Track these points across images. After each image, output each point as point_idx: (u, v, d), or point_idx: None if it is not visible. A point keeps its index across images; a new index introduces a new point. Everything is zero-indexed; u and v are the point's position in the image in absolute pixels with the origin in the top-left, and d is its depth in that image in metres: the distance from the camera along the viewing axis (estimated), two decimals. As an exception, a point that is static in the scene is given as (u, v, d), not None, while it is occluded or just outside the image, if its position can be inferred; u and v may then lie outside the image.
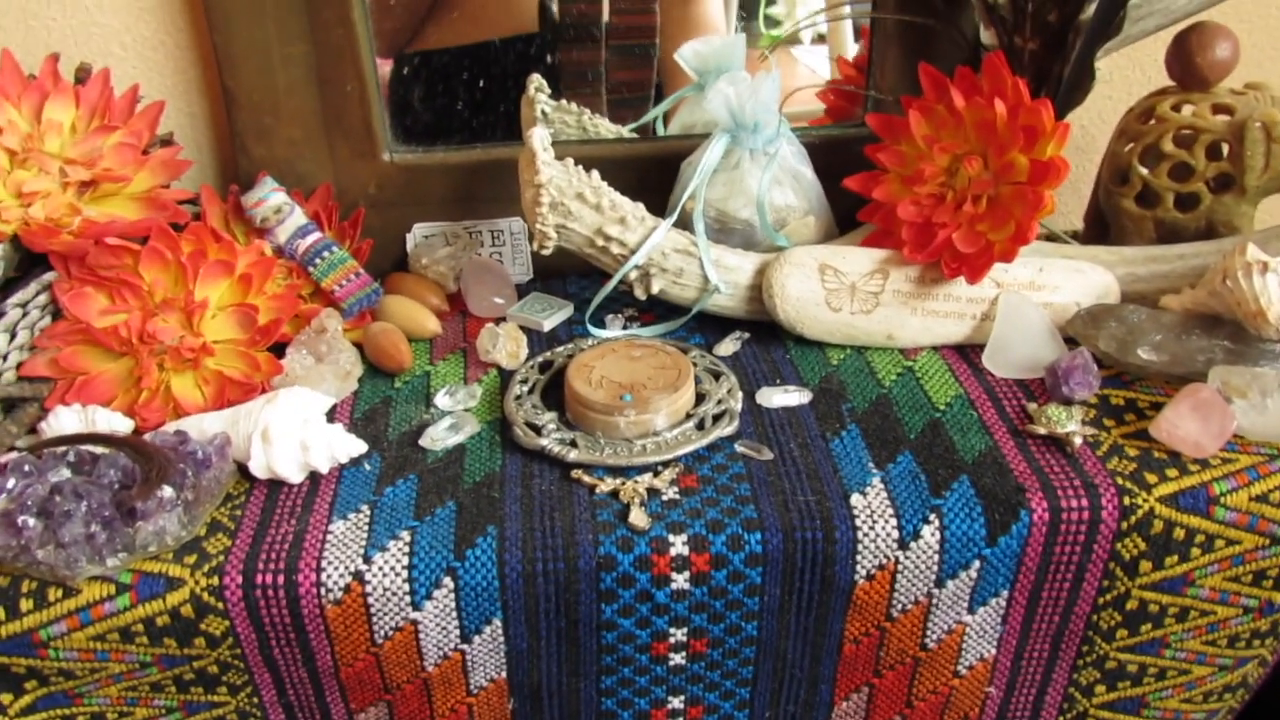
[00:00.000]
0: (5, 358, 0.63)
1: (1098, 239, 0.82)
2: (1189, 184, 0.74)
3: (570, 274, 0.83)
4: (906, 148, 0.72)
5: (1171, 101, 0.75)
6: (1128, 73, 0.90)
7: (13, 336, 0.63)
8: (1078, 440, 0.61)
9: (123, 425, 0.64)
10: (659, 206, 0.74)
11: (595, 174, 0.70)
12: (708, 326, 0.75)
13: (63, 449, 0.58)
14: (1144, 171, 0.75)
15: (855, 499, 0.57)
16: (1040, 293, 0.71)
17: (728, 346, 0.72)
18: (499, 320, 0.78)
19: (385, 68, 0.81)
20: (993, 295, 0.71)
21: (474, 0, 0.85)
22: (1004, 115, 0.67)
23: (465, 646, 0.57)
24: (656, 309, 0.77)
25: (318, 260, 0.75)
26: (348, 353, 0.71)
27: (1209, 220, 0.75)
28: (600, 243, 0.69)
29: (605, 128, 0.86)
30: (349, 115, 0.77)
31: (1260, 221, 0.76)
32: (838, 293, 0.71)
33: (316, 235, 0.75)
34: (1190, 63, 0.74)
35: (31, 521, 0.53)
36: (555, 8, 0.85)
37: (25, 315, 0.64)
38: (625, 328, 0.76)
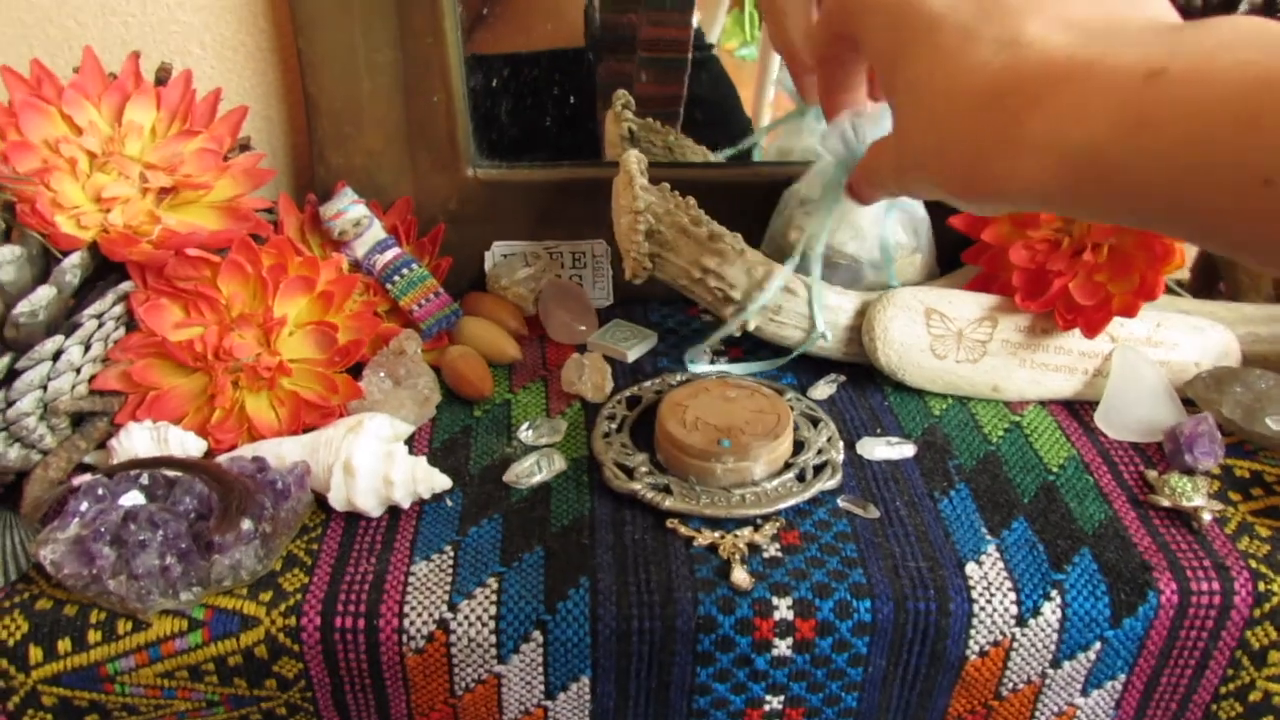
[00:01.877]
0: (79, 370, 0.60)
1: (1206, 291, 0.78)
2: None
3: (652, 300, 0.80)
4: (1022, 190, 0.68)
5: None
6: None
7: (87, 348, 0.60)
8: (1206, 516, 0.57)
9: (195, 445, 0.61)
10: (753, 237, 0.71)
11: (692, 201, 0.67)
12: (801, 366, 0.71)
13: (136, 471, 0.55)
14: None
15: (971, 568, 0.54)
16: (1158, 350, 0.67)
17: (823, 390, 0.69)
18: (581, 348, 0.74)
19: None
20: (1107, 350, 0.67)
21: (520, 8, 0.82)
22: (1133, 162, 0.63)
23: (549, 703, 0.54)
24: (745, 343, 0.74)
25: (396, 277, 0.72)
26: (426, 377, 0.68)
27: (1335, 279, 0.71)
28: (697, 275, 0.66)
29: (691, 149, 0.83)
30: (433, 127, 0.74)
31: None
32: (944, 339, 0.67)
33: (396, 251, 0.73)
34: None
35: (106, 550, 0.50)
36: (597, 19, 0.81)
37: (100, 326, 0.61)
38: (713, 362, 0.72)
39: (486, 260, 0.79)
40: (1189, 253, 0.82)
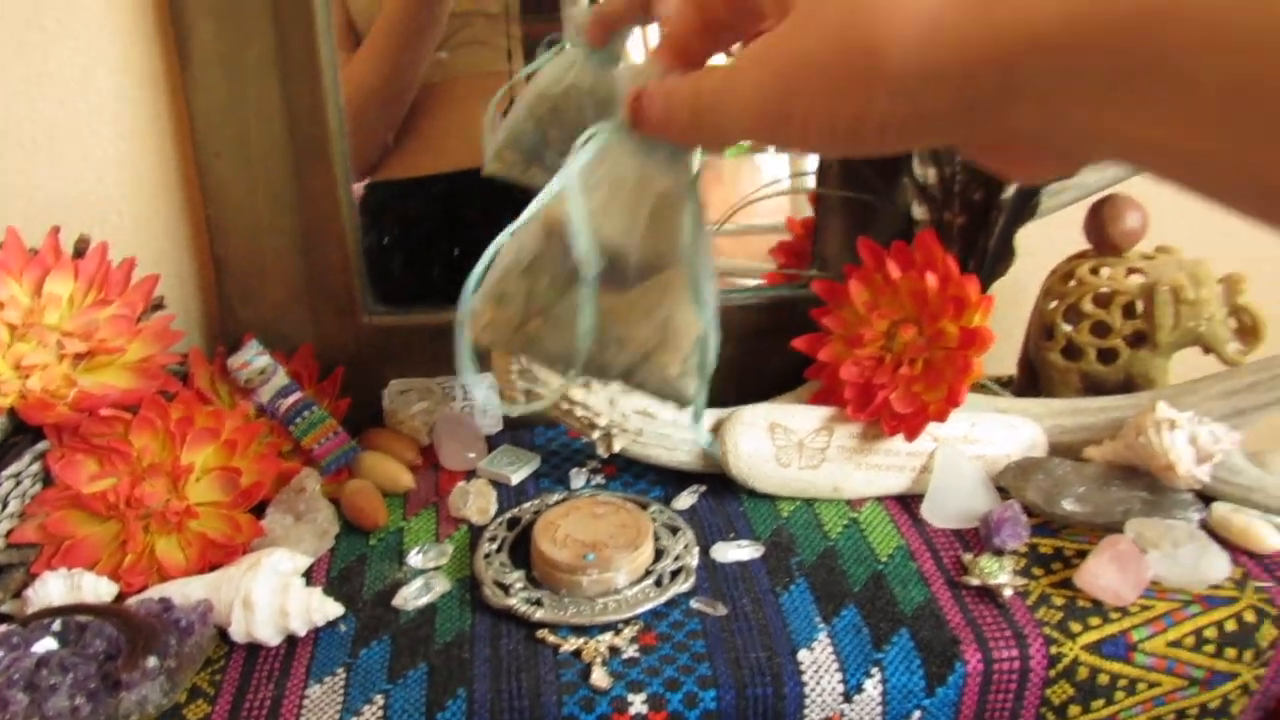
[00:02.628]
0: None
1: (1029, 386, 0.87)
2: (1108, 340, 0.81)
3: (537, 425, 0.88)
4: (848, 313, 0.78)
5: (1090, 265, 0.82)
6: (1054, 233, 0.97)
7: (4, 505, 0.67)
8: (1008, 591, 0.65)
9: (107, 590, 0.67)
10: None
11: (559, 340, 0.75)
12: (667, 479, 0.79)
13: (49, 619, 0.61)
14: (1067, 328, 0.82)
15: (803, 654, 0.61)
16: (974, 446, 0.76)
17: (685, 500, 0.77)
18: (470, 475, 0.82)
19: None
20: (930, 449, 0.76)
21: (436, 130, 0.91)
22: (935, 287, 0.73)
23: (436, 804, 0.60)
24: (619, 460, 0.81)
25: (298, 419, 0.79)
26: (325, 511, 0.75)
27: (1128, 373, 0.81)
28: (565, 406, 0.74)
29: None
30: (331, 280, 0.82)
31: (1174, 373, 0.82)
32: (786, 449, 0.76)
33: (297, 395, 0.80)
34: (1104, 232, 0.81)
35: (19, 695, 0.56)
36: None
37: (18, 485, 0.67)
38: (588, 482, 0.80)
39: (384, 397, 0.87)
40: (1012, 350, 0.92)
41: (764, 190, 0.84)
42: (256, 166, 0.79)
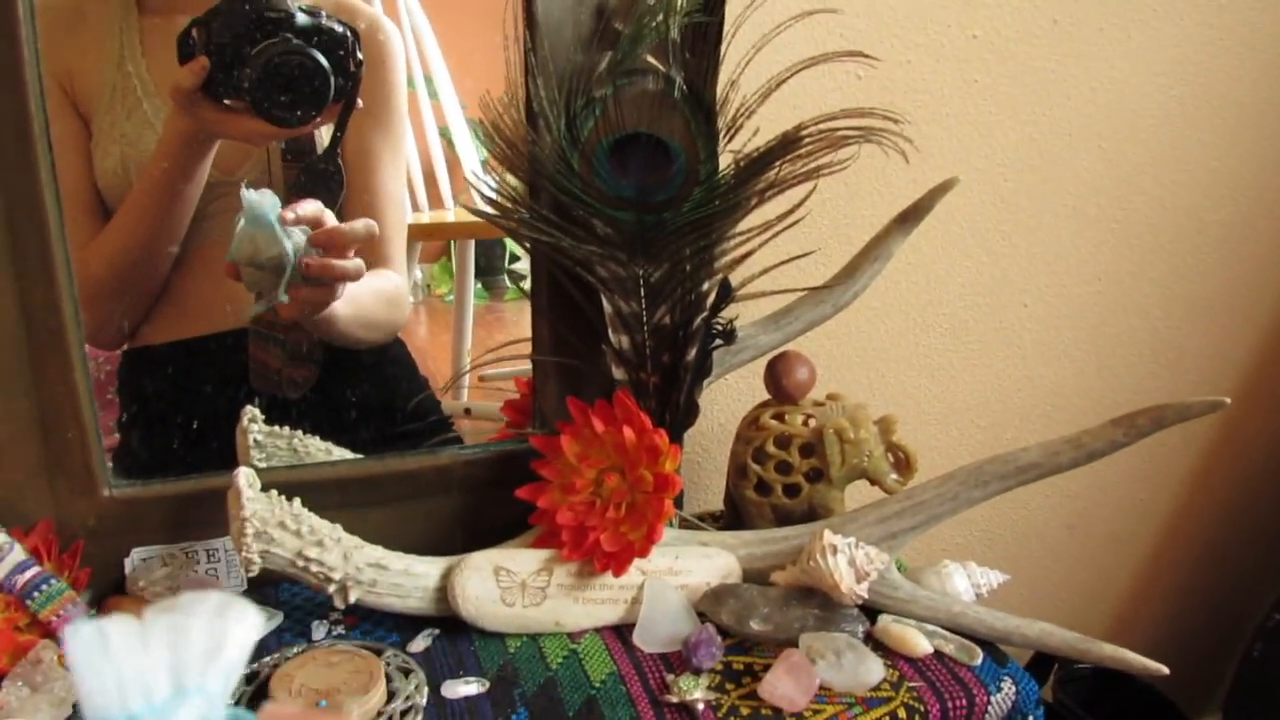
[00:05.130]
0: None
1: (734, 520, 0.99)
2: (791, 477, 0.94)
3: (281, 581, 0.93)
4: (562, 463, 0.87)
5: (771, 412, 0.96)
6: (752, 381, 1.12)
7: None
8: (700, 706, 0.75)
9: None
10: (367, 520, 0.86)
11: (297, 502, 0.81)
12: (405, 625, 0.86)
13: None
14: (756, 467, 0.94)
15: (518, 776, 0.69)
16: (678, 576, 0.87)
17: (419, 643, 0.83)
18: (213, 634, 0.85)
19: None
20: (640, 581, 0.86)
21: (189, 295, 0.96)
22: (632, 439, 0.84)
23: None
24: (359, 610, 0.87)
25: (36, 594, 0.81)
26: (63, 680, 0.77)
27: (810, 504, 0.94)
28: (301, 564, 0.80)
29: (315, 446, 0.98)
30: (69, 458, 0.86)
31: (852, 501, 0.95)
32: (510, 590, 0.84)
33: (35, 570, 0.82)
34: (779, 384, 0.95)
35: None
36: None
37: None
38: (329, 632, 0.85)
39: (126, 565, 0.89)
40: (720, 487, 1.04)
41: (497, 353, 0.94)
42: (-12, 358, 0.82)
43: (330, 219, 0.89)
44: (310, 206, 0.88)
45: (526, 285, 1.25)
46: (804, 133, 0.81)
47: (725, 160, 0.85)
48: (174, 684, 0.28)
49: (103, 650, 0.29)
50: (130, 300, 0.95)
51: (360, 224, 0.90)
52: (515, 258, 1.27)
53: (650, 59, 0.85)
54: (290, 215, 0.86)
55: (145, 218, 0.91)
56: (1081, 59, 1.18)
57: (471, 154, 1.14)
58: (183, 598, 0.31)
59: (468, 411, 1.12)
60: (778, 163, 0.82)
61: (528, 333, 0.94)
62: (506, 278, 1.27)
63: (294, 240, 0.87)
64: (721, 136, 0.84)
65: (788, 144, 0.81)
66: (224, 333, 0.97)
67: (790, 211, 0.82)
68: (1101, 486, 1.41)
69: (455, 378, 1.04)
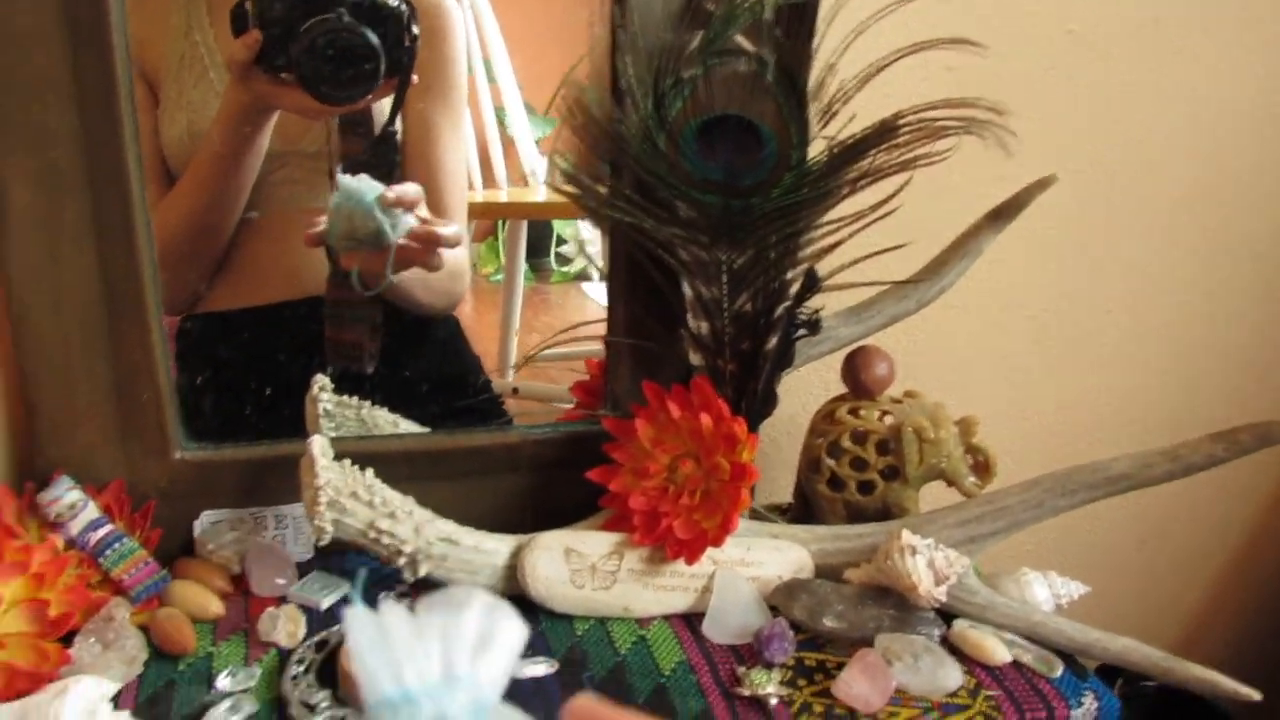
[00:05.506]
0: None
1: (803, 513, 0.98)
2: (866, 474, 0.92)
3: (349, 550, 0.92)
4: (635, 448, 0.86)
5: (848, 407, 0.94)
6: (826, 374, 1.10)
7: None
8: (774, 701, 0.73)
9: (-95, 722, 0.68)
10: (434, 493, 0.85)
11: (369, 473, 0.81)
12: (470, 603, 0.85)
13: None
14: (831, 462, 0.92)
15: (586, 761, 0.67)
16: (749, 568, 0.85)
17: (486, 622, 0.82)
18: (280, 600, 0.85)
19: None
20: (710, 571, 0.84)
21: (251, 266, 0.96)
22: (709, 426, 0.83)
23: None
24: (426, 584, 0.86)
25: (108, 552, 0.81)
26: (134, 639, 0.77)
27: (884, 503, 0.92)
28: (372, 535, 0.79)
29: (383, 418, 0.98)
30: (143, 421, 0.86)
31: (925, 502, 0.93)
32: (581, 572, 0.83)
33: (108, 528, 0.82)
34: (857, 378, 0.93)
35: None
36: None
37: None
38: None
39: (196, 528, 0.90)
40: (789, 480, 1.02)
41: (560, 336, 0.93)
42: (70, 318, 0.82)
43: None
44: (411, 190, 0.90)
45: (572, 269, 1.25)
46: (902, 121, 0.79)
47: (816, 147, 0.83)
48: (445, 671, 0.29)
49: (380, 632, 0.30)
50: (194, 267, 0.95)
51: (451, 230, 0.92)
52: (562, 240, 1.26)
53: (742, 40, 0.83)
54: (391, 195, 0.86)
55: (207, 185, 0.92)
56: (1182, 59, 1.14)
57: (527, 135, 1.13)
58: (452, 592, 0.32)
59: (515, 391, 1.12)
60: (872, 151, 0.80)
61: (574, 315, 0.93)
62: (553, 260, 1.27)
63: (393, 219, 0.87)
64: (815, 122, 0.82)
65: (884, 132, 0.79)
66: (297, 301, 0.97)
67: (883, 202, 0.80)
68: (1177, 503, 1.37)
69: (529, 356, 1.03)
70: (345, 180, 0.86)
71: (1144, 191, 1.19)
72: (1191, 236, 1.23)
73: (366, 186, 0.86)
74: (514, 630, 0.33)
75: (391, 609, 0.32)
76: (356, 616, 0.29)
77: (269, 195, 0.94)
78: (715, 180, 0.82)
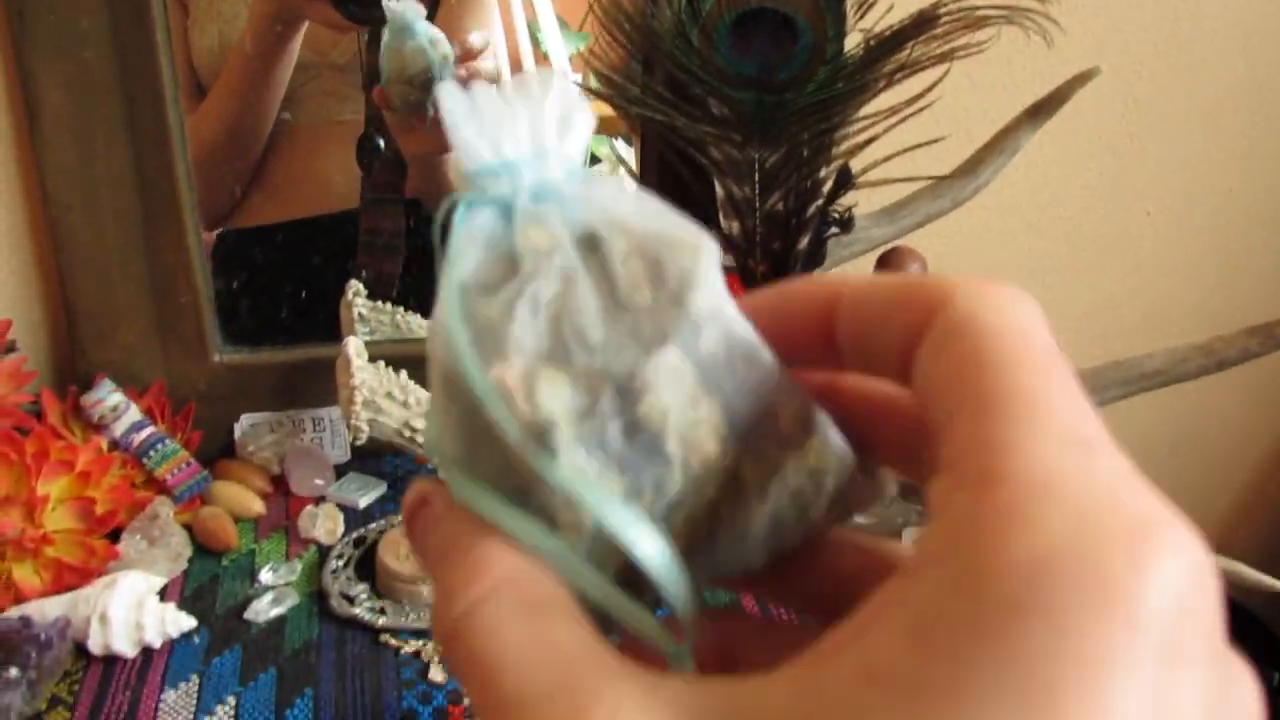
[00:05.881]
0: None
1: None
2: (897, 374, 0.92)
3: (385, 453, 0.94)
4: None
5: (880, 308, 0.93)
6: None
7: None
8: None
9: (-36, 612, 0.70)
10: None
11: (404, 374, 0.82)
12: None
13: (-90, 637, 0.64)
14: (862, 364, 0.92)
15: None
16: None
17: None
18: (319, 500, 0.87)
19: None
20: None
21: (285, 179, 0.97)
22: (740, 325, 0.83)
23: (284, 798, 0.65)
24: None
25: (151, 452, 0.83)
26: (178, 536, 0.79)
27: (915, 403, 0.92)
28: (407, 435, 0.80)
29: (416, 323, 0.99)
30: (182, 323, 0.87)
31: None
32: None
33: (150, 430, 0.84)
34: (890, 279, 0.92)
35: (-117, 705, 0.59)
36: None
37: (-126, 514, 0.70)
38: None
39: (236, 430, 0.91)
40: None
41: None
42: (107, 220, 0.83)
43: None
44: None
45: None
46: (942, 11, 0.77)
47: (852, 40, 0.81)
48: (534, 145, 0.28)
49: (474, 107, 0.28)
50: (231, 175, 0.95)
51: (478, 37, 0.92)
52: (596, 159, 1.25)
53: (776, -69, 0.81)
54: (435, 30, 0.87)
55: (240, 91, 0.91)
56: (1229, -51, 1.10)
57: (561, 51, 1.11)
58: (529, 77, 0.30)
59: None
60: (910, 43, 0.78)
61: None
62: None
63: (440, 50, 0.86)
64: (851, 13, 0.80)
65: (923, 23, 0.77)
66: (331, 214, 0.97)
67: (921, 95, 0.78)
68: (1210, 407, 1.36)
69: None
70: (390, 6, 0.85)
71: (1187, 89, 1.16)
72: (1233, 135, 1.20)
73: (412, 11, 0.86)
74: (588, 114, 0.31)
75: (480, 88, 0.30)
76: (449, 91, 0.27)
77: (301, 107, 0.94)
78: (749, 76, 0.81)
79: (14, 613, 0.69)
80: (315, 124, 0.96)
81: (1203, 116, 1.18)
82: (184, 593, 0.76)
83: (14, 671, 0.62)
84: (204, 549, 0.81)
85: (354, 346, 0.80)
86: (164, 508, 0.80)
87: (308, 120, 0.95)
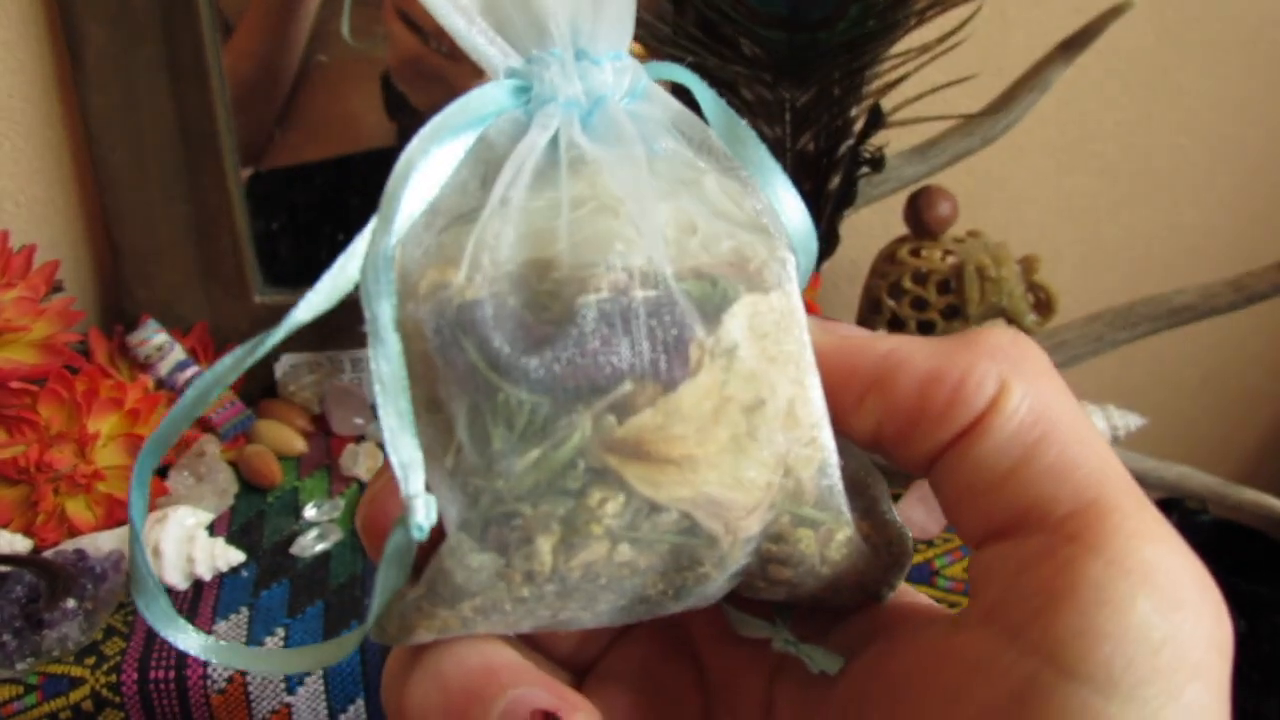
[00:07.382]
0: (-82, 491, 0.71)
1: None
2: (926, 314, 0.92)
3: (421, 394, 0.96)
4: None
5: (909, 247, 0.93)
6: (886, 217, 1.09)
7: (-77, 471, 0.72)
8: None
9: (22, 544, 0.73)
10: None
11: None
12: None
13: (-26, 570, 0.67)
14: (891, 303, 0.93)
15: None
16: (809, 405, 0.87)
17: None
18: (359, 439, 0.89)
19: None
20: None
21: (317, 119, 0.97)
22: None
23: (333, 723, 0.68)
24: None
25: (195, 391, 0.85)
26: (225, 473, 0.82)
27: (944, 341, 0.93)
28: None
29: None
30: (223, 264, 0.89)
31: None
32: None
33: (194, 369, 0.86)
34: (920, 219, 0.92)
35: (-48, 634, 0.62)
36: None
37: (-66, 452, 0.73)
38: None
39: (276, 370, 0.93)
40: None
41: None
42: (149, 160, 0.85)
43: None
44: None
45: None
46: (973, -54, 0.76)
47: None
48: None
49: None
50: (265, 108, 0.96)
51: None
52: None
53: None
54: None
55: (264, 26, 0.91)
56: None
57: None
58: None
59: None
60: (941, -21, 0.78)
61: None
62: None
63: None
64: (883, -50, 0.80)
65: (954, -41, 0.77)
66: (365, 150, 0.98)
67: (952, 33, 0.78)
68: (1239, 340, 1.36)
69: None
70: None
71: (1222, 20, 1.14)
72: (1267, 69, 1.18)
73: None
74: None
75: None
76: None
77: (329, 43, 0.94)
78: (780, 14, 0.81)
79: (69, 545, 0.72)
80: (344, 60, 0.96)
81: (1235, 50, 1.16)
82: (231, 528, 0.78)
83: (71, 603, 0.65)
84: (249, 486, 0.83)
85: (390, 288, 0.81)
86: (210, 445, 0.82)
87: (336, 57, 0.95)
